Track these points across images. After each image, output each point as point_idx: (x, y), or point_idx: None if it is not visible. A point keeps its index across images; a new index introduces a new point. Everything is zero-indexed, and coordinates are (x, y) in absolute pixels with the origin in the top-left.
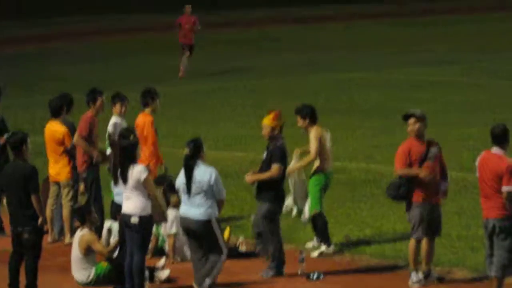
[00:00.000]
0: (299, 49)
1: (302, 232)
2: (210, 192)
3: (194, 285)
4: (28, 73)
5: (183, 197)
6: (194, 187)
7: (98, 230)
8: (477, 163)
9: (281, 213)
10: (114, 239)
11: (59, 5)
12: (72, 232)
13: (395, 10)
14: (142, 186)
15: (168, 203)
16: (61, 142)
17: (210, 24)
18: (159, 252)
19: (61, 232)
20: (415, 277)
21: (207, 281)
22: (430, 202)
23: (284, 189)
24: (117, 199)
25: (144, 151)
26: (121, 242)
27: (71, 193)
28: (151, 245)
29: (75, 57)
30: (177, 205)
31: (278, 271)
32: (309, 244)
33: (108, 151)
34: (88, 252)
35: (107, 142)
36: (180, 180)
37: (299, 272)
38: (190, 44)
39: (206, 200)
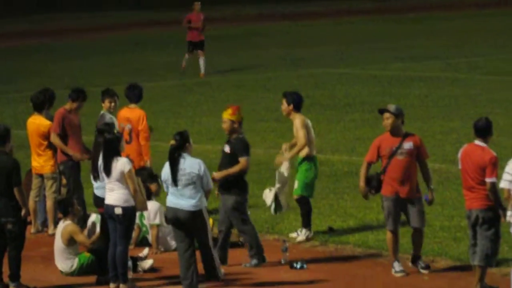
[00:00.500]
0: (285, 45)
1: (286, 221)
2: (199, 183)
3: (182, 282)
4: (9, 69)
5: (170, 188)
6: (184, 179)
7: (81, 221)
8: (459, 155)
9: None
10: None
11: (42, 2)
12: (55, 223)
13: (383, 6)
14: (125, 178)
15: (150, 193)
16: (45, 136)
17: None
18: (143, 242)
19: (44, 223)
20: (397, 266)
21: (221, 271)
22: (399, 196)
23: (245, 179)
24: (97, 192)
25: (133, 146)
26: (104, 233)
27: (54, 185)
28: (134, 236)
29: (57, 53)
30: (157, 193)
31: (260, 257)
32: (293, 234)
33: None
34: (70, 242)
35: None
36: (166, 171)
37: (282, 261)
38: (201, 41)
39: (196, 191)
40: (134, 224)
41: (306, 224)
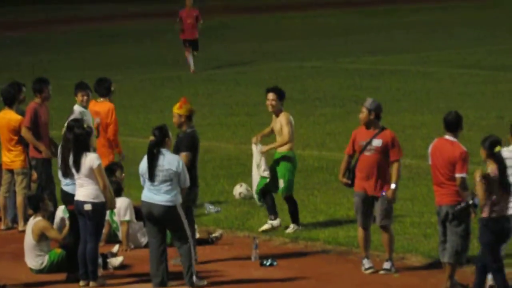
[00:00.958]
0: (255, 39)
1: (257, 218)
2: (176, 180)
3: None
4: None
5: (147, 183)
6: (161, 175)
7: (51, 217)
8: (429, 150)
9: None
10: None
11: None
12: (26, 219)
13: None
14: (95, 174)
15: (120, 190)
16: (16, 131)
17: (165, 13)
18: (113, 239)
19: (14, 220)
20: (367, 263)
21: (194, 278)
22: (366, 193)
23: (196, 176)
24: (67, 188)
25: (101, 140)
26: (74, 229)
27: (25, 181)
28: (104, 232)
29: (27, 46)
30: (121, 180)
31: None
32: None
33: None
34: (41, 239)
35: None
36: (144, 166)
37: (252, 258)
38: (193, 39)
39: (172, 188)
40: (104, 221)
41: (296, 219)
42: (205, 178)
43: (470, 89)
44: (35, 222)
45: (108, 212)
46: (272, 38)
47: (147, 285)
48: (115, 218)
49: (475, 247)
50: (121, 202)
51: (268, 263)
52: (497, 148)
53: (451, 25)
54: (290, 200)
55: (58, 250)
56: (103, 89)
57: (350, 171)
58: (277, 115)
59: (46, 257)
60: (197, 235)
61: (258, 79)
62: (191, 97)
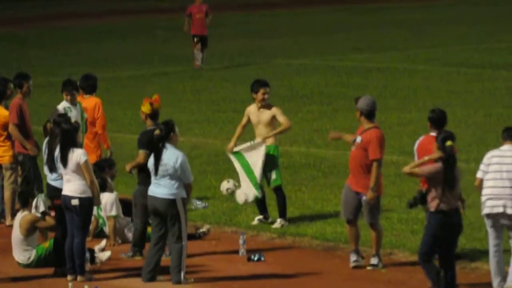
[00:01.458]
0: (242, 36)
1: (244, 214)
2: (176, 175)
3: (143, 273)
4: None
5: (153, 177)
6: (161, 169)
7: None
8: (415, 148)
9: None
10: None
11: None
12: (13, 214)
13: None
14: (82, 170)
15: (105, 185)
16: (5, 126)
17: (153, 9)
18: (100, 234)
19: (2, 214)
20: (352, 257)
21: (181, 274)
22: (351, 189)
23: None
24: (54, 183)
25: (89, 136)
26: (61, 224)
27: (13, 176)
28: (91, 227)
29: (14, 42)
30: (113, 177)
31: (139, 252)
32: (277, 225)
33: None
34: (29, 233)
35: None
36: (150, 161)
37: (240, 253)
38: (203, 35)
39: (171, 182)
40: (92, 216)
41: (284, 213)
42: (193, 174)
43: (457, 87)
44: (23, 216)
45: (95, 208)
46: (259, 36)
47: (134, 279)
48: (102, 213)
49: (462, 243)
50: (107, 197)
51: (256, 258)
52: (448, 143)
53: (438, 23)
54: (280, 192)
55: (46, 245)
56: (88, 86)
57: None
58: (267, 108)
59: (34, 252)
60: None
61: (246, 76)
62: (179, 94)
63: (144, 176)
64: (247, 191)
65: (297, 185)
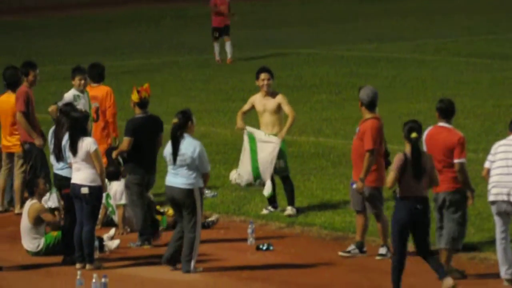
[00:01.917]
0: (251, 25)
1: (253, 203)
2: (194, 165)
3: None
4: None
5: (169, 167)
6: (179, 159)
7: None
8: (424, 138)
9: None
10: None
11: None
12: (22, 202)
13: None
14: (91, 158)
15: (118, 173)
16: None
17: None
18: (109, 222)
19: (11, 202)
20: (349, 247)
21: (192, 263)
22: (356, 179)
23: (151, 161)
24: (62, 172)
25: (100, 124)
26: (70, 212)
27: (24, 165)
28: (100, 216)
29: (26, 31)
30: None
31: (147, 240)
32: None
33: None
34: (37, 221)
35: None
36: (167, 150)
37: (249, 243)
38: (225, 26)
39: (189, 172)
40: (101, 204)
41: (293, 201)
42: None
43: (466, 77)
44: (31, 204)
45: (104, 196)
46: (268, 25)
47: (143, 268)
48: (111, 201)
49: (471, 234)
50: (118, 186)
51: (264, 247)
52: (413, 135)
53: (448, 13)
54: (288, 181)
55: (54, 233)
56: (96, 74)
57: None
58: (272, 96)
59: (42, 240)
60: None
61: (255, 66)
62: (188, 83)
63: (131, 166)
64: (242, 174)
65: (306, 174)
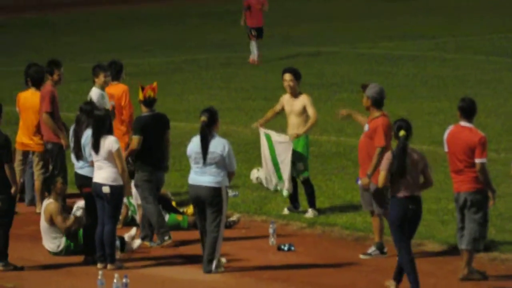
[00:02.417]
0: (273, 23)
1: (274, 202)
2: (222, 163)
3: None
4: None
5: (194, 166)
6: (208, 158)
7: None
8: (445, 138)
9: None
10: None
11: None
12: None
13: None
14: (113, 157)
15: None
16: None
17: None
18: (130, 222)
19: (33, 201)
20: (369, 249)
21: (213, 264)
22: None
23: (159, 159)
24: (81, 171)
25: (116, 123)
26: (91, 212)
27: (41, 163)
28: (122, 215)
29: (49, 28)
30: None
31: (166, 234)
32: (309, 214)
33: None
34: (53, 222)
35: None
36: (192, 148)
37: (270, 243)
38: (260, 27)
39: (218, 170)
40: (122, 204)
41: (314, 203)
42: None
43: (487, 76)
44: (47, 204)
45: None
46: (289, 23)
47: (164, 268)
48: (133, 201)
49: (492, 234)
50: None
51: (286, 248)
52: (401, 133)
53: (469, 11)
54: (308, 183)
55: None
56: (114, 72)
57: None
58: (296, 96)
59: (63, 240)
60: None
61: (276, 64)
62: (208, 81)
63: (139, 164)
64: (270, 178)
65: (327, 174)
